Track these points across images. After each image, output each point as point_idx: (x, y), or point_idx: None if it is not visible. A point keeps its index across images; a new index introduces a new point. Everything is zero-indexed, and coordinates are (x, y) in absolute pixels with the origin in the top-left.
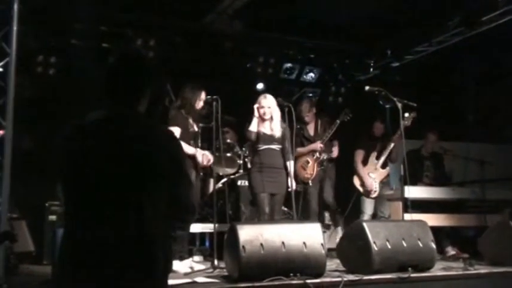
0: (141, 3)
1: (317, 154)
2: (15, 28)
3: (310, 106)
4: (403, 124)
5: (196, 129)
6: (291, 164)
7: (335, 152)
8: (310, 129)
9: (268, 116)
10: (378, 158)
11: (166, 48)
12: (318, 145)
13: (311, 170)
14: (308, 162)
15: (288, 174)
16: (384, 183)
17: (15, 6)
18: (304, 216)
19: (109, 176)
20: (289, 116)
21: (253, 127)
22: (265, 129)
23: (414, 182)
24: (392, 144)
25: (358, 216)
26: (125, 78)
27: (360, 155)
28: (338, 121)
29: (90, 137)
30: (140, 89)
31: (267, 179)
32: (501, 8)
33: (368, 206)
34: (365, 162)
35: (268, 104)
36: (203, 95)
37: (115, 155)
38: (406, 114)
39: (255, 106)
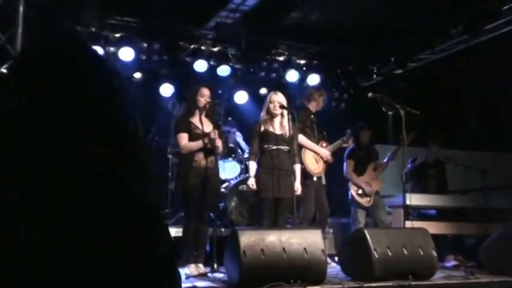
0: (145, 8)
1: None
2: (20, 30)
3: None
4: (402, 143)
5: (205, 129)
6: (297, 168)
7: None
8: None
9: (278, 112)
10: (375, 169)
11: (170, 52)
12: (327, 156)
13: (321, 165)
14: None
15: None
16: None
17: (21, 9)
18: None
19: None
20: (292, 121)
21: (262, 120)
22: (275, 128)
23: (417, 190)
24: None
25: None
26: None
27: (350, 165)
28: (349, 131)
29: None
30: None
31: (275, 182)
32: (505, 17)
33: (361, 216)
34: (362, 171)
35: (279, 100)
36: (204, 91)
37: None
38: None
39: (266, 104)
